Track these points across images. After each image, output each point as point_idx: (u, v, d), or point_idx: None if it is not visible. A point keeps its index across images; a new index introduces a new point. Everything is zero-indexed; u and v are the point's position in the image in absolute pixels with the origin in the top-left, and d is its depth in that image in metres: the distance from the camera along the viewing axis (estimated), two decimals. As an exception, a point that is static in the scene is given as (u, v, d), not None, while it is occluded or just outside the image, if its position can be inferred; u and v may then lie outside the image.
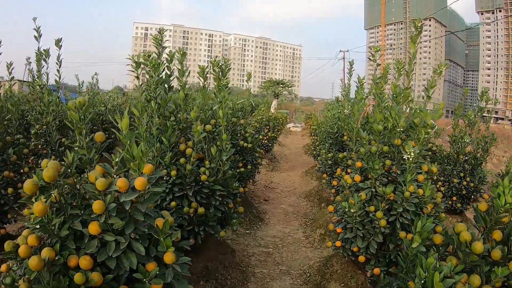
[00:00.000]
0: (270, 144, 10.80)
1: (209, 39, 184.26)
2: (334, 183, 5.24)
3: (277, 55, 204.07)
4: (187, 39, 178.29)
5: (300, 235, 6.15)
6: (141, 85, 4.01)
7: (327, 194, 7.58)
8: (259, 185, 8.81)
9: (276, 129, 12.47)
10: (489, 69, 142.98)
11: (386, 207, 3.34)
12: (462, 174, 6.96)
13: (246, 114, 6.64)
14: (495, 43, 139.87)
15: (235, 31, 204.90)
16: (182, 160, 3.75)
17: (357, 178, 3.58)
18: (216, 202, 3.81)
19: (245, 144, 5.91)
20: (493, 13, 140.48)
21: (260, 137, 10.17)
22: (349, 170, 3.96)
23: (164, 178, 3.75)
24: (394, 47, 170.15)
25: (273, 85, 33.56)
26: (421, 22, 3.50)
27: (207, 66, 4.20)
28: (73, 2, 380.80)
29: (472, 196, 7.07)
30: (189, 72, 4.38)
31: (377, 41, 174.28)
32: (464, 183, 6.92)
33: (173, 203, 3.66)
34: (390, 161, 3.44)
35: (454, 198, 6.99)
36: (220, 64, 4.13)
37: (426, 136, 3.22)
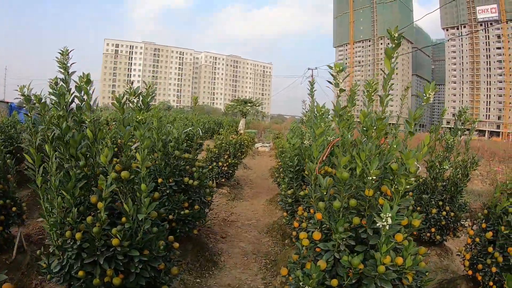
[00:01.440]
0: (231, 171, 10.00)
1: (180, 57, 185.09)
2: (295, 224, 4.41)
3: (247, 73, 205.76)
4: (158, 57, 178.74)
5: (258, 282, 5.32)
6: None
7: (291, 228, 6.81)
8: (217, 219, 7.95)
9: (239, 153, 11.68)
10: (455, 82, 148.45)
11: (354, 281, 2.50)
12: (440, 203, 6.36)
13: (195, 144, 5.76)
14: (460, 58, 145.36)
15: (206, 49, 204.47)
16: (88, 219, 2.86)
17: (316, 235, 2.73)
18: (137, 270, 2.93)
19: (191, 181, 5.04)
20: (457, 29, 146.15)
21: (220, 163, 9.38)
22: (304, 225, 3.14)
23: (69, 242, 2.90)
24: (362, 63, 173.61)
25: (241, 104, 32.97)
26: (397, 33, 2.71)
27: (126, 93, 3.28)
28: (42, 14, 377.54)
29: (452, 226, 6.48)
30: (98, 104, 3.46)
31: (346, 58, 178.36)
32: (444, 213, 6.31)
33: (80, 273, 2.83)
34: (358, 219, 2.59)
35: (433, 229, 6.38)
36: (139, 91, 3.22)
37: (408, 187, 2.42)
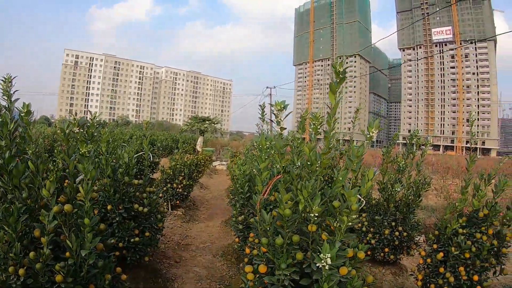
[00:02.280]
0: (186, 193, 9.83)
1: (140, 71, 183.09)
2: (247, 251, 4.37)
3: (207, 89, 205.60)
4: (118, 70, 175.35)
5: (212, 308, 5.21)
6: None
7: (243, 254, 6.75)
8: (171, 242, 7.77)
9: (195, 173, 11.56)
10: (410, 100, 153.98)
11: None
12: (393, 224, 6.50)
13: (146, 170, 5.64)
14: (415, 77, 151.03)
15: (167, 64, 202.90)
16: (31, 254, 2.75)
17: (262, 269, 2.70)
18: (81, 307, 2.83)
19: (141, 208, 4.93)
20: (414, 49, 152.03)
21: (175, 185, 9.25)
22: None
23: (12, 278, 2.76)
24: (321, 82, 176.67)
25: (199, 122, 32.69)
26: (344, 66, 2.70)
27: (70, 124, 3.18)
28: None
29: (406, 245, 6.62)
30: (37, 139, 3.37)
31: (305, 77, 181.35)
32: (396, 233, 6.45)
33: (21, 312, 2.67)
34: (302, 255, 2.59)
35: (387, 249, 6.51)
36: (84, 121, 3.14)
37: (350, 224, 2.45)
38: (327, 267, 2.28)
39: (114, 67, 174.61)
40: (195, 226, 9.31)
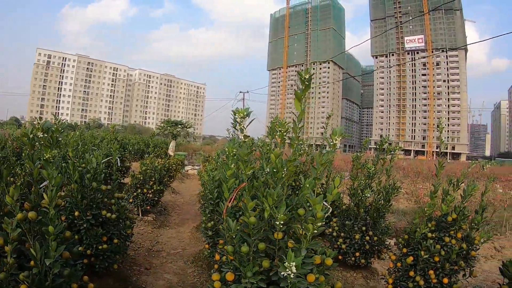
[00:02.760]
0: (156, 198, 9.70)
1: (113, 73, 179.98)
2: (217, 257, 4.34)
3: (181, 92, 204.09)
4: (91, 71, 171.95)
5: (183, 317, 5.17)
6: None
7: (213, 261, 6.69)
8: (141, 249, 7.64)
9: (167, 178, 11.46)
10: (382, 106, 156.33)
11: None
12: (364, 228, 6.59)
13: (114, 175, 5.54)
14: (388, 83, 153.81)
15: (140, 67, 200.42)
16: (-7, 263, 2.68)
17: (229, 276, 2.69)
18: (45, 317, 2.75)
19: (109, 215, 4.85)
20: (386, 56, 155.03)
21: (145, 190, 9.15)
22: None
23: None
24: (294, 87, 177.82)
25: (171, 126, 32.44)
26: (309, 73, 2.70)
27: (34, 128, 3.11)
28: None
29: (376, 249, 6.72)
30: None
31: (279, 82, 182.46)
32: (367, 237, 6.54)
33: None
34: (268, 262, 2.58)
35: (358, 254, 6.58)
36: (49, 126, 3.07)
37: (316, 232, 2.46)
38: (292, 276, 2.28)
39: (87, 68, 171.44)
40: (166, 232, 9.21)
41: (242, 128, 2.93)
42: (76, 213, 4.59)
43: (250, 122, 3.03)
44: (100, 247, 4.72)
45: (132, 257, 6.88)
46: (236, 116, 2.97)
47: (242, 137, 2.94)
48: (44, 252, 2.79)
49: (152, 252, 7.63)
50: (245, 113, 2.90)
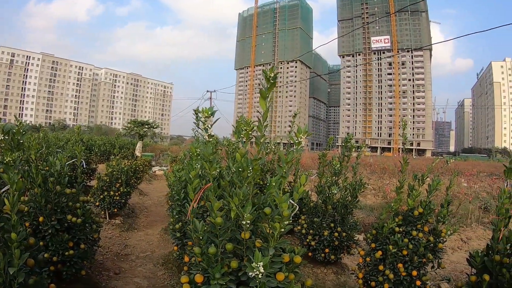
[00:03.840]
0: (124, 200, 9.51)
1: (79, 72, 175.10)
2: (186, 259, 4.29)
3: (148, 92, 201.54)
4: (56, 70, 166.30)
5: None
6: None
7: (182, 263, 6.61)
8: (110, 253, 7.48)
9: (134, 180, 11.30)
10: (349, 104, 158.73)
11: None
12: (332, 225, 6.66)
13: (79, 178, 5.38)
14: (354, 82, 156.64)
15: (106, 66, 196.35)
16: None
17: (198, 278, 2.65)
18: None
19: (74, 219, 4.71)
20: (353, 56, 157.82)
21: (112, 193, 8.99)
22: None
23: None
24: (261, 86, 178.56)
25: (138, 126, 31.99)
26: (274, 72, 2.68)
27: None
28: None
29: (346, 244, 6.80)
30: None
31: (246, 81, 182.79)
32: (336, 234, 6.60)
33: None
34: (237, 263, 2.56)
35: (327, 250, 6.66)
36: (9, 128, 2.96)
37: (283, 230, 2.46)
38: (260, 276, 2.27)
39: (52, 67, 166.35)
40: (135, 235, 9.06)
41: (207, 127, 2.88)
42: (41, 219, 4.41)
43: (215, 121, 2.99)
44: (66, 253, 4.54)
45: (100, 262, 6.74)
46: (200, 116, 2.92)
47: (207, 137, 2.89)
48: (7, 260, 2.68)
49: (121, 256, 7.49)
50: (209, 112, 2.86)
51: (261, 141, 2.88)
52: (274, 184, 2.74)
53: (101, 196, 8.99)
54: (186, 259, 3.98)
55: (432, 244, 4.81)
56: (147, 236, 9.08)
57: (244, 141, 2.99)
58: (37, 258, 3.14)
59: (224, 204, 2.79)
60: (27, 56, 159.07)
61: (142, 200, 14.00)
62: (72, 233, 4.78)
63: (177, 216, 5.57)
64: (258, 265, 2.25)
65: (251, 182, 2.84)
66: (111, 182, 9.16)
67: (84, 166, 5.51)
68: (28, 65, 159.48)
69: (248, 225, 2.56)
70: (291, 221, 2.49)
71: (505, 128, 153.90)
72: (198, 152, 3.05)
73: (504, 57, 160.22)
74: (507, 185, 3.91)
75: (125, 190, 9.38)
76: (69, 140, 14.24)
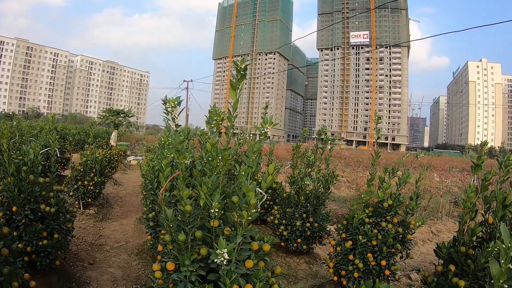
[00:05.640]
0: (98, 190, 9.42)
1: (54, 59, 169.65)
2: (159, 248, 4.34)
3: (124, 80, 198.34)
4: (30, 56, 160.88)
5: (129, 310, 5.06)
6: None
7: (156, 252, 6.64)
8: (84, 243, 7.42)
9: (108, 169, 11.23)
10: (326, 97, 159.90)
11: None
12: (304, 215, 6.76)
13: (52, 167, 5.36)
14: (332, 76, 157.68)
15: (82, 52, 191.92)
16: None
17: (170, 266, 2.70)
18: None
19: (47, 208, 4.68)
20: (331, 50, 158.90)
21: (86, 182, 8.94)
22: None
23: None
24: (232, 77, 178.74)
25: (113, 115, 31.52)
26: (245, 63, 2.73)
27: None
28: None
29: (318, 235, 6.91)
30: None
31: (224, 71, 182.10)
32: (308, 224, 6.72)
33: None
34: (206, 250, 2.63)
35: (299, 240, 6.76)
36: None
37: (250, 218, 2.55)
38: (225, 262, 2.34)
39: (26, 53, 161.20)
40: (109, 225, 9.04)
41: (174, 117, 2.94)
42: (14, 208, 4.37)
43: (181, 110, 3.04)
44: (40, 243, 4.51)
45: (74, 253, 6.71)
46: (167, 106, 2.97)
47: (174, 126, 2.95)
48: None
49: (95, 246, 7.47)
50: (176, 102, 2.92)
51: (231, 131, 2.95)
52: (243, 173, 2.83)
53: (75, 186, 8.90)
54: (160, 248, 3.99)
55: (401, 235, 4.94)
56: (121, 226, 9.07)
57: (214, 131, 3.04)
58: (11, 248, 3.13)
59: (195, 193, 2.87)
60: (0, 41, 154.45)
61: (116, 190, 13.93)
62: (45, 223, 4.74)
63: (150, 206, 5.60)
64: (222, 252, 2.30)
65: (220, 172, 2.92)
66: (85, 172, 9.07)
67: (58, 155, 5.48)
68: (2, 50, 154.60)
69: (216, 213, 2.64)
70: (259, 210, 2.58)
71: (478, 126, 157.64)
72: (169, 141, 3.10)
73: (480, 58, 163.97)
74: (474, 180, 4.05)
75: (100, 179, 9.31)
76: (43, 129, 14.06)
